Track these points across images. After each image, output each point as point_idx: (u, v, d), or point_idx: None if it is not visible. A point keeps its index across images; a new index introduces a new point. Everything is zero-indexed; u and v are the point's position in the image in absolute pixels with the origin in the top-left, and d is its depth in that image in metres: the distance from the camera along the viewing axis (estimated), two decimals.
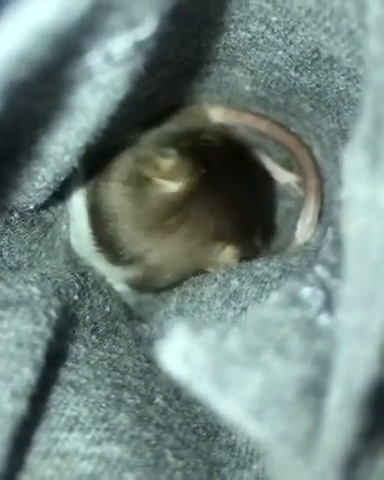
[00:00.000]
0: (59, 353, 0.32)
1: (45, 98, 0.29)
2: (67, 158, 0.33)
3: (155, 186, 0.39)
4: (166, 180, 0.39)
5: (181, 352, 0.23)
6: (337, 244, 0.30)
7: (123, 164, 0.40)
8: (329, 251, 0.29)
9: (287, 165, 0.45)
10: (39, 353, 0.30)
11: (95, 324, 0.37)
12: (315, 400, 0.23)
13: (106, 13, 0.26)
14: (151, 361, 0.35)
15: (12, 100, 0.26)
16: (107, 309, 0.39)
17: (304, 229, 0.43)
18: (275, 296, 0.26)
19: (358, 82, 0.34)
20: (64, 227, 0.41)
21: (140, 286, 0.42)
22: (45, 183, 0.35)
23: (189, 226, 0.39)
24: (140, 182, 0.39)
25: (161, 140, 0.41)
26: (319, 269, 0.27)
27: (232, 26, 0.36)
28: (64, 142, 0.32)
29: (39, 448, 0.30)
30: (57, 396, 0.31)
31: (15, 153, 0.33)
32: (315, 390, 0.23)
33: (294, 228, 0.44)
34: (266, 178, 0.44)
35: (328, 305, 0.26)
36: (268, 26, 0.35)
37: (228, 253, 0.40)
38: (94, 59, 0.28)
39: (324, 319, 0.25)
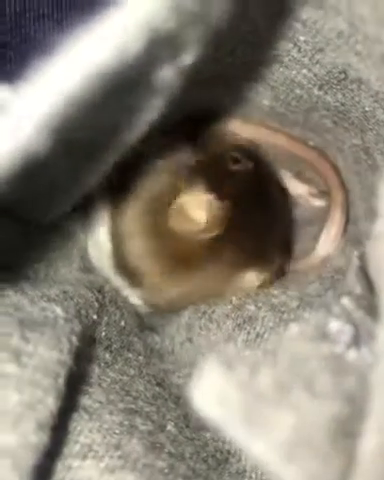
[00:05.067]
0: (77, 379, 0.32)
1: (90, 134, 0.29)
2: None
3: (182, 215, 0.37)
4: (194, 211, 0.37)
5: (215, 391, 0.23)
6: (362, 272, 0.30)
7: (149, 187, 0.39)
8: (355, 280, 0.29)
9: (299, 177, 0.45)
10: (61, 382, 0.29)
11: (110, 340, 0.36)
12: (347, 441, 0.23)
13: (156, 46, 0.25)
14: (161, 385, 0.35)
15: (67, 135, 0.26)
16: (122, 323, 0.38)
17: (328, 241, 0.42)
18: (300, 328, 0.25)
19: None
20: (82, 236, 0.40)
21: (156, 309, 0.41)
22: (67, 195, 0.35)
23: (211, 263, 0.38)
24: (161, 215, 0.38)
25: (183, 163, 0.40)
26: (345, 301, 0.27)
27: (258, 43, 0.35)
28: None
29: (53, 477, 0.29)
30: (72, 422, 0.31)
31: (50, 183, 0.32)
32: (346, 430, 0.23)
33: (311, 238, 0.43)
34: (284, 195, 0.43)
35: (356, 340, 0.25)
36: (295, 45, 0.35)
37: (249, 279, 0.39)
38: (138, 91, 0.27)
39: (353, 355, 0.25)
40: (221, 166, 0.40)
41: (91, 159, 0.31)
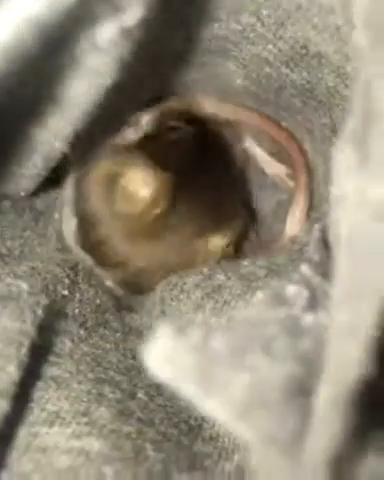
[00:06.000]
0: (41, 350, 0.32)
1: (33, 86, 0.30)
2: (57, 144, 0.34)
3: (128, 194, 0.38)
4: (137, 189, 0.38)
5: (165, 354, 0.23)
6: (322, 242, 0.30)
7: (102, 166, 0.40)
8: (315, 249, 0.29)
9: (278, 157, 0.45)
10: (23, 351, 0.30)
11: (84, 317, 0.37)
12: (302, 400, 0.23)
13: (92, 1, 0.26)
14: (137, 357, 0.35)
15: (1, 89, 0.26)
16: (97, 301, 0.38)
17: (293, 223, 0.43)
18: (260, 295, 0.26)
19: (347, 79, 0.34)
20: (56, 215, 0.41)
21: (128, 287, 0.41)
22: (36, 170, 0.36)
23: (170, 227, 0.39)
24: (116, 188, 0.39)
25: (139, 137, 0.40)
26: (304, 268, 0.27)
27: (224, 17, 0.35)
28: (53, 128, 0.33)
29: (18, 443, 0.30)
30: (39, 391, 0.31)
31: (4, 140, 0.33)
32: (302, 390, 0.23)
33: (285, 221, 0.43)
34: (244, 166, 0.44)
35: (313, 304, 0.26)
36: (259, 19, 0.35)
37: (214, 244, 0.40)
38: (81, 46, 0.28)
39: (309, 318, 0.25)
40: (161, 138, 0.41)
41: (39, 117, 0.32)
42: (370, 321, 0.22)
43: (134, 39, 0.29)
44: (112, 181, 0.39)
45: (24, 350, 0.30)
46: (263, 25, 0.35)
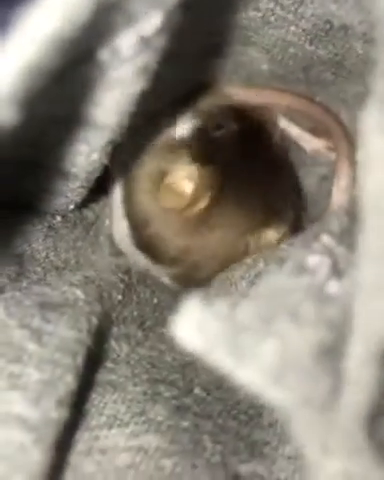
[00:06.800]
0: (97, 357, 0.33)
1: (63, 100, 0.30)
2: (95, 156, 0.34)
3: (171, 190, 0.38)
4: (180, 184, 0.38)
5: (194, 324, 0.23)
6: (349, 212, 0.29)
7: (148, 165, 0.40)
8: (334, 219, 0.29)
9: (314, 132, 0.44)
10: (79, 360, 0.31)
11: (143, 317, 0.37)
12: (332, 363, 0.23)
13: (108, 12, 0.26)
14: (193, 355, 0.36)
15: (32, 108, 0.27)
16: (155, 300, 0.39)
17: (340, 194, 0.42)
18: (284, 266, 0.26)
19: (375, 45, 0.34)
20: (107, 222, 0.41)
21: (183, 281, 0.42)
22: (78, 182, 0.36)
23: (220, 221, 0.39)
24: (164, 189, 0.39)
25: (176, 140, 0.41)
26: (325, 237, 0.27)
27: (242, 7, 0.36)
28: (88, 140, 0.33)
29: (81, 447, 0.31)
30: (97, 396, 0.32)
31: (44, 157, 0.34)
32: (331, 354, 0.23)
33: (330, 194, 0.43)
34: (287, 150, 0.44)
35: (335, 272, 0.26)
36: (277, 2, 0.35)
37: (266, 237, 0.40)
38: (103, 56, 0.28)
39: (333, 285, 0.25)
40: (205, 134, 0.41)
41: (73, 131, 0.32)
42: None
43: (156, 47, 0.29)
44: (159, 179, 0.39)
45: (80, 359, 0.31)
46: (283, 8, 0.35)
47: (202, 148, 0.40)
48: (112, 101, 0.31)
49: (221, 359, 0.23)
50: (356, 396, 0.23)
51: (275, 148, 0.42)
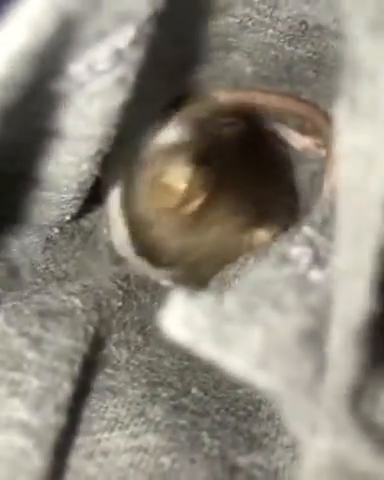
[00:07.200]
0: (96, 364, 0.34)
1: (42, 113, 0.31)
2: (85, 166, 0.35)
3: (166, 189, 0.39)
4: (175, 183, 0.39)
5: (181, 317, 0.24)
6: (330, 203, 0.30)
7: (146, 171, 0.41)
8: (316, 211, 0.30)
9: (302, 130, 0.45)
10: (76, 368, 0.32)
11: (143, 322, 0.38)
12: (315, 348, 0.24)
13: (75, 27, 0.27)
14: (191, 359, 0.36)
15: (10, 123, 0.28)
16: (155, 304, 0.40)
17: (330, 190, 0.42)
18: (268, 259, 0.27)
19: None
20: (105, 231, 0.42)
21: (183, 282, 0.42)
22: (71, 194, 0.37)
23: (216, 222, 0.40)
24: (160, 190, 0.40)
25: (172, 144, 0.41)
26: (306, 229, 0.28)
27: (218, 14, 0.36)
28: (76, 152, 0.34)
29: (83, 451, 0.31)
30: (98, 402, 0.33)
31: (34, 170, 0.35)
32: (314, 339, 0.24)
33: (321, 190, 0.43)
34: (280, 150, 0.44)
35: (317, 261, 0.27)
36: (253, 7, 0.36)
37: (260, 238, 0.40)
38: (77, 70, 0.29)
39: (315, 274, 0.26)
40: (199, 138, 0.41)
41: (58, 142, 0.33)
42: (369, 258, 0.23)
43: (132, 58, 0.30)
44: (155, 181, 0.40)
45: (77, 367, 0.32)
46: (258, 12, 0.36)
47: (197, 151, 0.40)
48: (95, 113, 0.32)
49: (208, 349, 0.24)
50: (338, 378, 0.23)
51: (268, 149, 0.43)
